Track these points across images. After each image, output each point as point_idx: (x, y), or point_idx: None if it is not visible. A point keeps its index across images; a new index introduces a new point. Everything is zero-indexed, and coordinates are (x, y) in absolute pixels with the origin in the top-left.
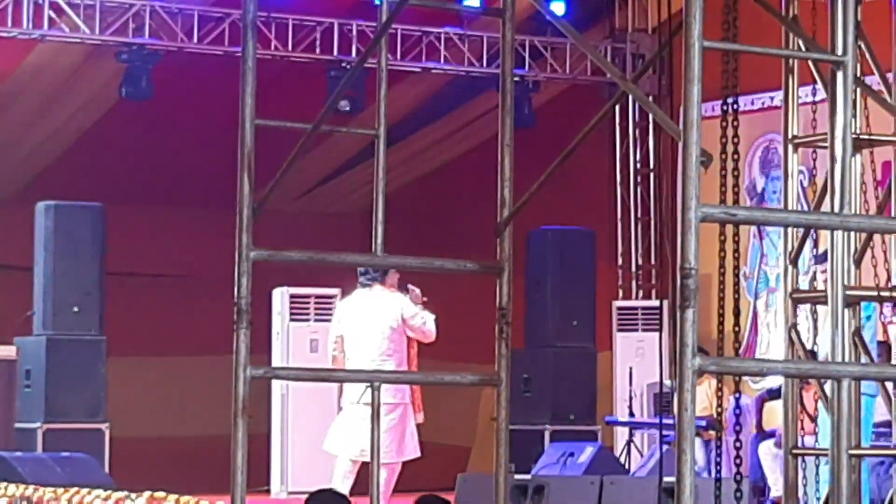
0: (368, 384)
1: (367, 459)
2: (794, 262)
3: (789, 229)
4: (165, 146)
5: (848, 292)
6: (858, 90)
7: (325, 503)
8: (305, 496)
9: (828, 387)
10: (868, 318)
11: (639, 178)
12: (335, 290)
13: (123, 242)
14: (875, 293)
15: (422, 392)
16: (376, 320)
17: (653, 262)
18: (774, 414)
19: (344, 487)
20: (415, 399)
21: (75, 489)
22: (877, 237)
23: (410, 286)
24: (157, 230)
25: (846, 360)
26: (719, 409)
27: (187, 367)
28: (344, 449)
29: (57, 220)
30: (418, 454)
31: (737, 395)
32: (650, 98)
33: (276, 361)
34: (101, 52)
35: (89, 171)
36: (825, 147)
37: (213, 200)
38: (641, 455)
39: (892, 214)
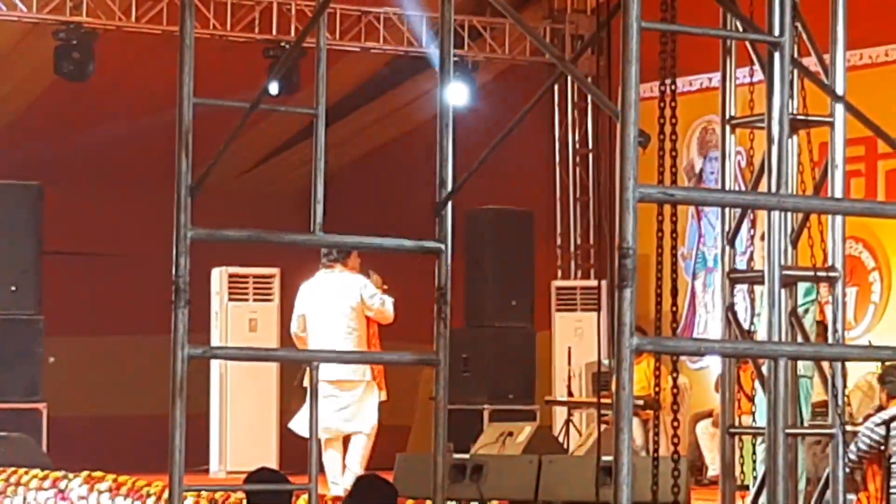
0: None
1: (328, 435)
2: (732, 243)
3: (727, 210)
4: (103, 125)
5: (785, 272)
6: (795, 71)
7: (263, 481)
8: (244, 475)
9: (764, 367)
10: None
11: (577, 159)
12: (274, 270)
13: (61, 221)
14: (812, 273)
15: (384, 371)
16: (337, 300)
17: (591, 242)
18: (710, 394)
19: (335, 464)
20: (376, 377)
21: (12, 469)
22: (813, 217)
23: (371, 272)
24: (94, 209)
25: (782, 339)
26: (657, 389)
27: (125, 347)
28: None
29: None
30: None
31: (674, 374)
32: (589, 79)
33: (215, 341)
34: (38, 31)
35: (26, 150)
36: (762, 128)
37: (151, 179)
38: (580, 434)
39: (829, 195)
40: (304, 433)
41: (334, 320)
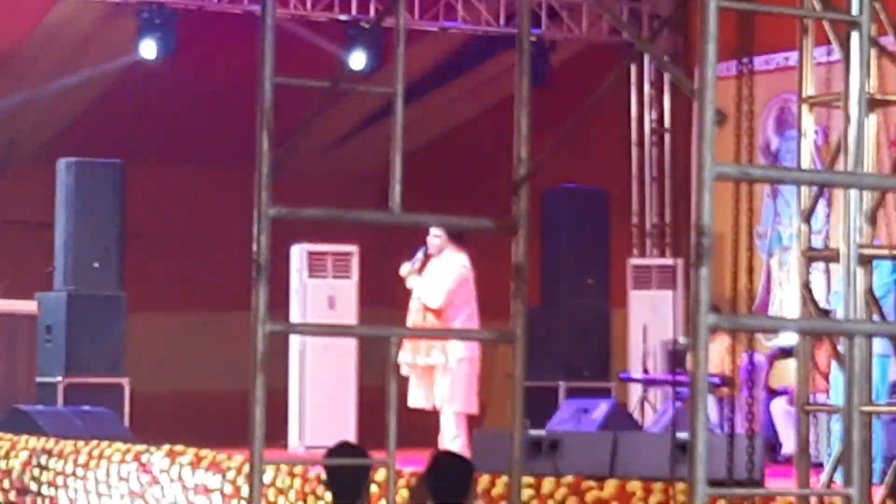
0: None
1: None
2: (808, 221)
3: (803, 188)
4: (184, 105)
5: (861, 250)
6: (873, 50)
7: (343, 455)
8: (322, 450)
9: (841, 345)
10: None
11: (654, 138)
12: (353, 248)
13: (143, 200)
14: (888, 251)
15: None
16: None
17: (667, 220)
18: (786, 372)
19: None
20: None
21: (95, 442)
22: (889, 196)
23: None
24: (176, 188)
25: (859, 317)
26: (732, 366)
27: (206, 323)
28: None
29: (77, 178)
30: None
31: (750, 352)
32: (666, 58)
33: (295, 318)
34: (120, 11)
35: (109, 129)
36: (839, 107)
37: (232, 159)
38: (655, 412)
39: None
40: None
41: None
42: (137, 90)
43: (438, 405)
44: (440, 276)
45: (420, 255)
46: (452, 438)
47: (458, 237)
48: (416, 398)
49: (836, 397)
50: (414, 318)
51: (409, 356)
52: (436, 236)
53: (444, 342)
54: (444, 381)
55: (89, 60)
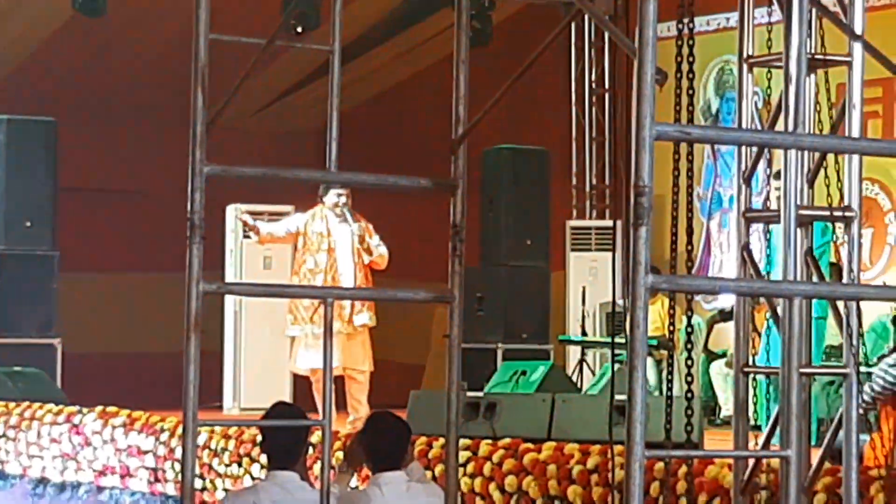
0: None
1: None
2: (748, 182)
3: (743, 149)
4: (119, 62)
5: (801, 212)
6: (814, 10)
7: (280, 416)
8: (257, 412)
9: (779, 306)
10: (828, 243)
11: (594, 98)
12: (289, 208)
13: (76, 158)
14: (828, 213)
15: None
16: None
17: (607, 181)
18: (724, 335)
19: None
20: None
21: (27, 403)
22: (830, 157)
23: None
24: (110, 146)
25: (798, 279)
26: (671, 329)
27: (140, 283)
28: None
29: (9, 135)
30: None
31: (689, 314)
32: (606, 17)
33: (230, 278)
34: None
35: (42, 86)
36: (780, 67)
37: (166, 116)
38: (593, 374)
39: (846, 135)
40: (304, 370)
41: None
42: (71, 47)
43: (350, 367)
44: (373, 234)
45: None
46: (366, 399)
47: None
48: (313, 360)
49: (775, 359)
50: (346, 280)
51: (338, 325)
52: (338, 195)
53: (370, 304)
54: (356, 342)
55: (22, 17)
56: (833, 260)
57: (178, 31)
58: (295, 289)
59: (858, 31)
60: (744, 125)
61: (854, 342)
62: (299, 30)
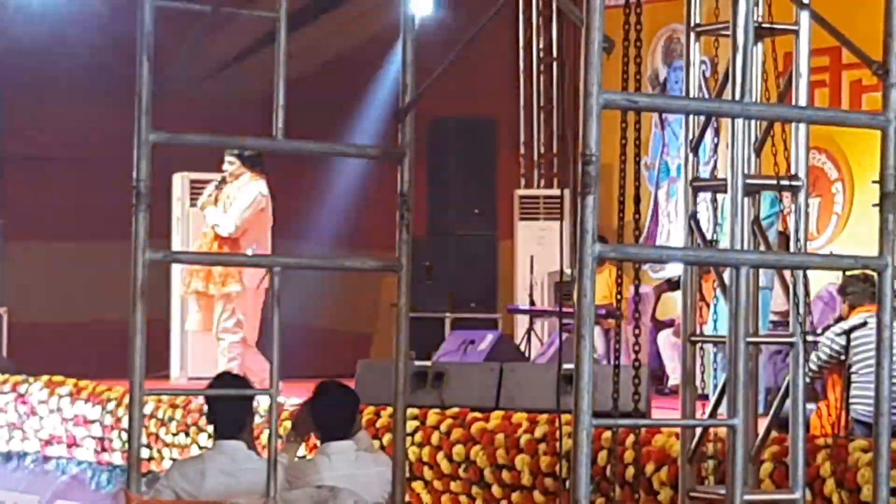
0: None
1: None
2: (695, 151)
3: (691, 118)
4: (63, 28)
5: (748, 181)
6: None
7: (226, 386)
8: (205, 382)
9: (726, 275)
10: (776, 213)
11: (541, 67)
12: None
13: (20, 126)
14: (775, 182)
15: None
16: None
17: (555, 150)
18: (672, 304)
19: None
20: None
21: None
22: (777, 127)
23: None
24: (54, 113)
25: (745, 248)
26: (619, 298)
27: (86, 252)
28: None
29: None
30: None
31: (636, 283)
32: None
33: (176, 247)
34: None
35: None
36: (727, 36)
37: (111, 83)
38: (542, 343)
39: (793, 104)
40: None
41: None
42: (13, 15)
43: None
44: (235, 203)
45: (213, 185)
46: (227, 362)
47: (253, 163)
48: (194, 322)
49: (722, 328)
50: (205, 248)
51: (201, 284)
52: (229, 162)
53: (240, 271)
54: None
55: None
56: (781, 229)
57: None
58: (241, 257)
59: None
60: (691, 94)
61: (801, 311)
62: None
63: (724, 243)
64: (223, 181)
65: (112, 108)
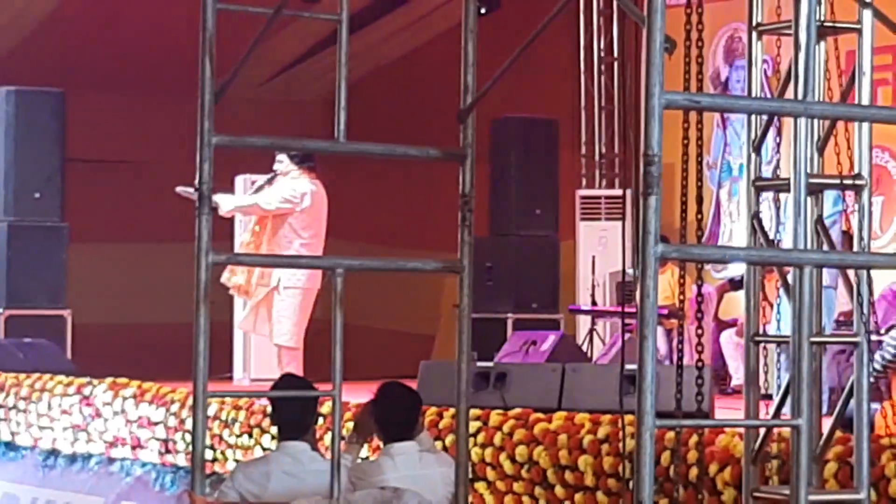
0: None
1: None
2: (758, 150)
3: (753, 117)
4: (126, 32)
5: (811, 180)
6: None
7: (289, 388)
8: (267, 383)
9: (789, 275)
10: (839, 212)
11: (602, 67)
12: None
13: (85, 129)
14: (838, 181)
15: None
16: None
17: (616, 150)
18: (735, 304)
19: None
20: None
21: (37, 375)
22: (840, 125)
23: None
24: (118, 116)
25: (808, 247)
26: (681, 298)
27: (150, 254)
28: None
29: (17, 106)
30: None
31: (699, 283)
32: None
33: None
34: None
35: (49, 57)
36: (789, 34)
37: (175, 86)
38: (603, 343)
39: (856, 102)
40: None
41: None
42: (78, 17)
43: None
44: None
45: (264, 180)
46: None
47: (301, 160)
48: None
49: (786, 328)
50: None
51: (242, 279)
52: (279, 161)
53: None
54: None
55: None
56: (844, 228)
57: (187, 1)
58: (304, 259)
59: None
60: (753, 93)
61: (865, 310)
62: None
63: (787, 243)
64: (273, 179)
65: (174, 109)
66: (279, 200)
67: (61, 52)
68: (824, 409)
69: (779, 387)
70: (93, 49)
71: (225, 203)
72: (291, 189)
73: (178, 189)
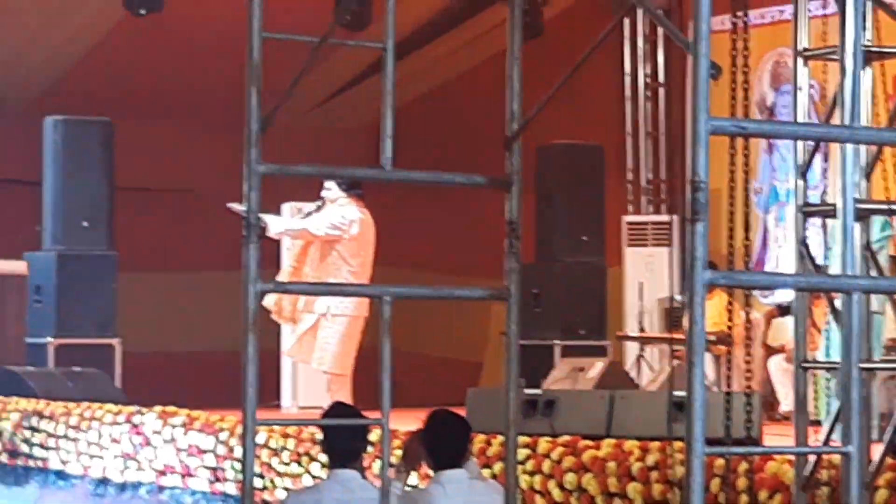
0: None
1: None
2: (804, 176)
3: (799, 143)
4: (173, 61)
5: (858, 205)
6: (869, 2)
7: (338, 416)
8: (316, 411)
9: (838, 301)
10: (887, 237)
11: (648, 93)
12: None
13: (132, 157)
14: (885, 206)
15: None
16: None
17: (662, 176)
18: (783, 330)
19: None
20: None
21: (87, 404)
22: (887, 150)
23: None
24: (166, 144)
25: (856, 273)
26: (729, 324)
27: (197, 282)
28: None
29: (65, 135)
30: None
31: (747, 309)
32: (660, 12)
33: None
34: None
35: (97, 86)
36: (835, 60)
37: (221, 115)
38: (652, 370)
39: None
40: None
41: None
42: (125, 46)
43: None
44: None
45: (313, 207)
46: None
47: (350, 189)
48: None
49: (835, 354)
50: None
51: (289, 307)
52: (326, 189)
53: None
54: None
55: (77, 16)
56: (892, 253)
57: (232, 30)
58: (351, 287)
59: None
60: (799, 119)
61: None
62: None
63: (835, 268)
64: (321, 206)
65: (221, 138)
66: (328, 226)
67: (108, 81)
68: (874, 436)
69: (827, 413)
70: (140, 78)
71: (274, 225)
72: (341, 216)
73: (230, 205)
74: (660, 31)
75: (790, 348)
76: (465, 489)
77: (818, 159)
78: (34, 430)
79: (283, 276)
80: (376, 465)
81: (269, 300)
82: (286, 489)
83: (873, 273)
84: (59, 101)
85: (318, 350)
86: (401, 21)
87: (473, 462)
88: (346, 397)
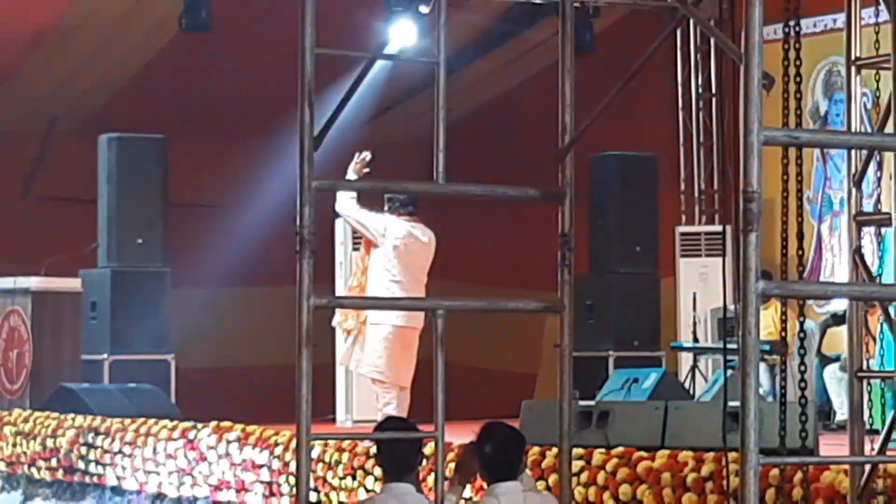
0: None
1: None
2: (858, 185)
3: (853, 151)
4: (226, 77)
5: None
6: None
7: (392, 430)
8: (370, 425)
9: (892, 310)
10: None
11: (700, 103)
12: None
13: (186, 174)
14: None
15: None
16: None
17: (715, 186)
18: (838, 339)
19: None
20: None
21: (142, 419)
22: None
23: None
24: (219, 161)
25: None
26: (783, 334)
27: (251, 298)
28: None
29: (120, 153)
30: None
31: (801, 319)
32: (711, 22)
33: (340, 291)
34: None
35: (151, 104)
36: (888, 68)
37: (274, 130)
38: (706, 380)
39: None
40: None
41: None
42: (178, 64)
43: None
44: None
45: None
46: (383, 405)
47: (403, 206)
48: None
49: (889, 363)
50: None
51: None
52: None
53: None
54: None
55: (130, 35)
56: None
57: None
58: (404, 301)
59: None
60: (853, 128)
61: None
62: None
63: (889, 277)
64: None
65: (274, 154)
66: (370, 226)
67: (162, 98)
68: None
69: (883, 422)
70: (193, 95)
71: (343, 202)
72: (384, 225)
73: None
74: (712, 41)
75: (846, 357)
76: (519, 501)
77: (872, 168)
78: (90, 446)
79: (345, 292)
80: (431, 479)
81: (343, 323)
82: (341, 503)
83: None
84: (113, 119)
85: (356, 352)
86: (452, 36)
87: (528, 474)
88: (393, 406)
